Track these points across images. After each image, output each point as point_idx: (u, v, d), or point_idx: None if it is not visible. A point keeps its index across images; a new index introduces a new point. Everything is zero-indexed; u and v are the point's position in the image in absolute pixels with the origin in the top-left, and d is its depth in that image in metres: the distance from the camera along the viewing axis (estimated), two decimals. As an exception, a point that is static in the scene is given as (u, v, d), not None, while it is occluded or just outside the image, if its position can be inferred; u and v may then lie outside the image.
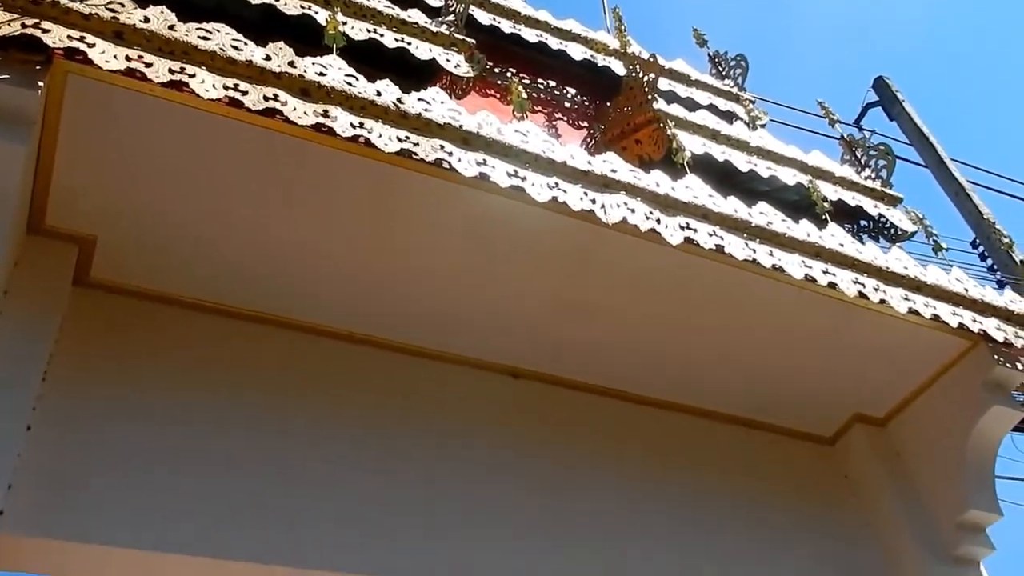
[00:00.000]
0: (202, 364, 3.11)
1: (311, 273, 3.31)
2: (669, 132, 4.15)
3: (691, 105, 4.92)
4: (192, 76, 2.64)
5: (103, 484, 2.67)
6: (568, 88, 5.15)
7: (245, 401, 3.08)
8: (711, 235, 3.31)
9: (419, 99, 3.04)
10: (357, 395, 3.31)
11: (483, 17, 4.62)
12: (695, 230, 3.29)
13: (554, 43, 4.87)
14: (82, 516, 2.59)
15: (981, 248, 7.37)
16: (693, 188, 3.46)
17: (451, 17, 4.33)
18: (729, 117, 5.08)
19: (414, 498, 3.14)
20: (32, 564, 2.63)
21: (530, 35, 4.79)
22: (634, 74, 4.70)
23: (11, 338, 2.71)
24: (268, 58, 2.84)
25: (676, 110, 4.44)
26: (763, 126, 5.15)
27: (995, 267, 7.08)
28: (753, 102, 5.47)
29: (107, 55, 2.56)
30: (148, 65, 2.61)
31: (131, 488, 2.70)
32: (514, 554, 3.18)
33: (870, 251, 3.71)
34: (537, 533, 3.28)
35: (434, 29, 4.12)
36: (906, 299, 3.59)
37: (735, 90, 5.52)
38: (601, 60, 5.00)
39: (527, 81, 4.97)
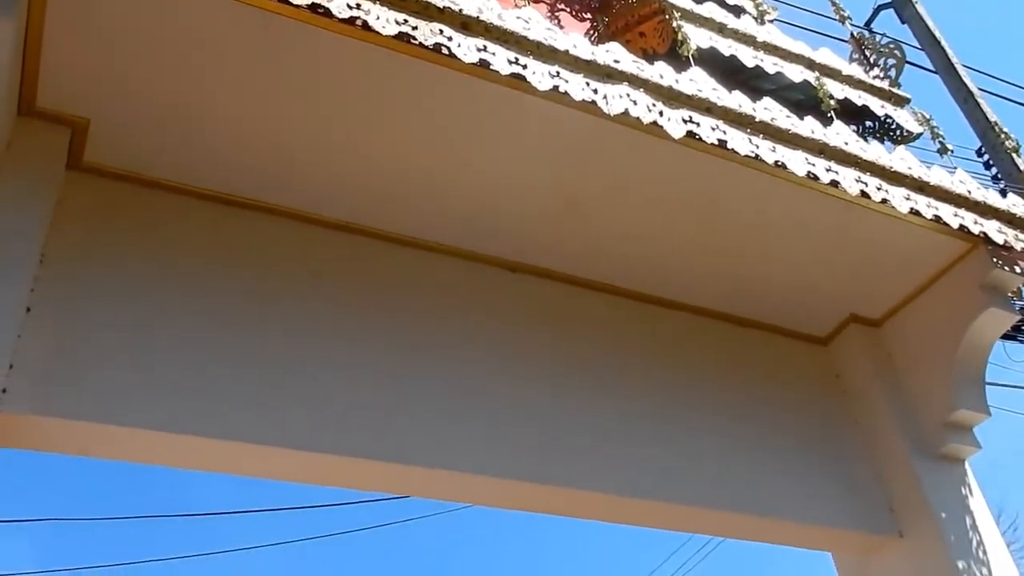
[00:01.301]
0: (198, 249, 3.11)
1: (306, 161, 3.27)
2: (674, 24, 4.04)
3: (697, -3, 4.78)
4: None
5: (103, 364, 2.70)
6: (571, -22, 5.00)
7: (242, 286, 3.09)
8: (714, 129, 3.26)
9: (417, -20, 2.94)
10: (352, 284, 3.32)
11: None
12: (697, 124, 3.23)
13: (557, -68, 4.69)
14: (83, 395, 2.62)
15: (986, 157, 7.32)
16: (697, 81, 3.39)
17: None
18: (737, 11, 4.93)
19: (406, 387, 3.17)
20: (34, 442, 2.69)
21: (533, -78, 4.61)
22: (639, -36, 4.55)
23: (6, 220, 2.71)
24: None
25: (682, 2, 4.32)
26: (771, 21, 5.01)
27: (999, 176, 7.04)
28: (762, -4, 5.31)
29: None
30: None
31: (130, 368, 2.73)
32: (504, 447, 3.23)
33: (874, 150, 3.66)
34: (529, 427, 3.32)
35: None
36: (908, 199, 3.56)
37: (743, -18, 5.35)
38: (606, -50, 4.83)
39: (529, -29, 4.81)
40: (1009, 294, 3.89)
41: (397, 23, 2.78)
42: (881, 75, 4.81)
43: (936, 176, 3.74)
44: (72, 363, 2.66)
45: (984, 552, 3.58)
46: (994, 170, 7.14)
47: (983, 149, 7.32)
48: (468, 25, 2.92)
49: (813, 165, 3.42)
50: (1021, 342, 7.39)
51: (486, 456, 3.16)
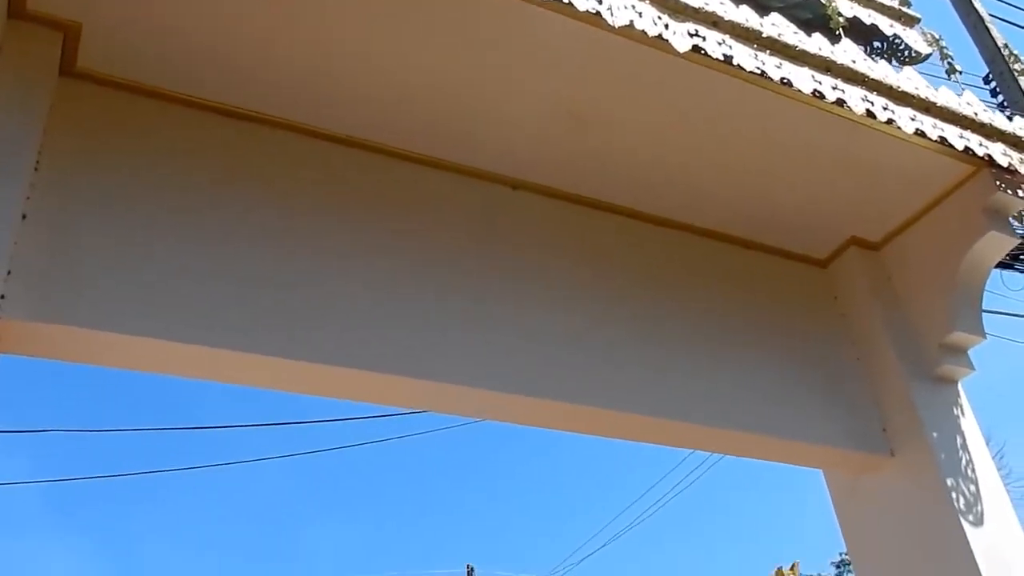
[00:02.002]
0: (196, 159, 3.07)
1: (307, 73, 3.21)
2: (681, -64, 3.93)
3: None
4: None
5: (101, 271, 2.69)
6: None
7: (242, 197, 3.07)
8: (720, 44, 3.19)
9: None
10: (353, 198, 3.30)
11: None
12: (703, 38, 3.17)
13: None
14: (81, 302, 2.62)
15: (993, 84, 7.24)
16: (704, -7, 3.31)
17: None
18: (745, -75, 4.81)
19: (405, 300, 3.18)
20: (33, 348, 2.69)
21: None
22: None
23: (0, 126, 2.66)
24: None
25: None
26: (780, -64, 4.88)
27: (1005, 104, 6.96)
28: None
29: None
30: None
31: (129, 276, 2.72)
32: (504, 363, 3.24)
33: (881, 69, 3.60)
34: (529, 343, 3.34)
35: None
36: (913, 120, 3.52)
37: None
38: None
39: None
40: (1010, 218, 3.88)
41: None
42: (891, -7, 4.70)
43: (943, 97, 3.69)
44: (69, 270, 2.66)
45: (973, 471, 3.64)
46: (1000, 97, 7.07)
47: (990, 76, 7.24)
48: (470, -70, 2.84)
49: (819, 83, 3.36)
50: (1018, 271, 7.44)
51: (486, 370, 3.18)
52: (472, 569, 19.88)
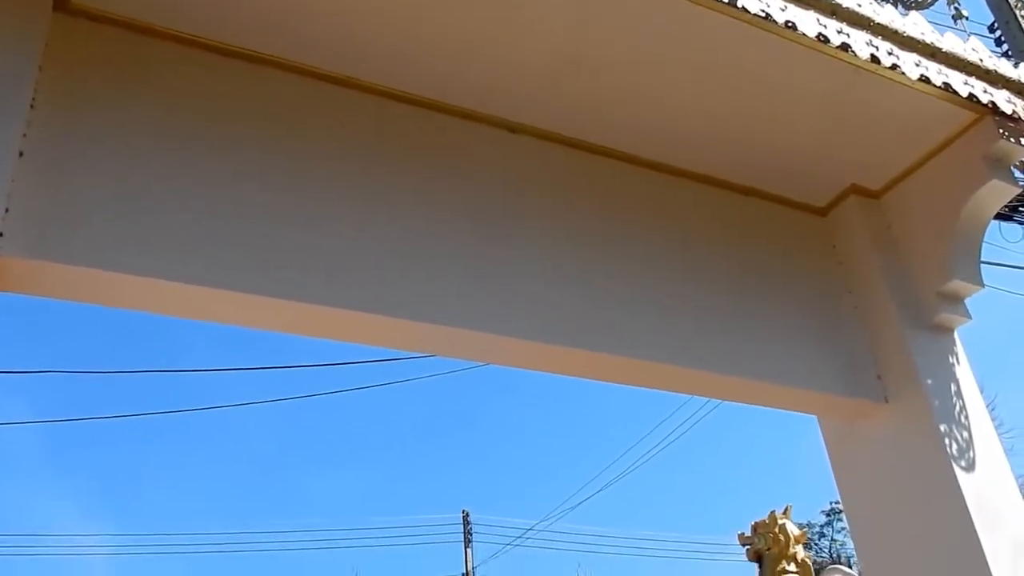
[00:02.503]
0: (194, 98, 3.03)
1: (302, 12, 3.16)
2: None
3: None
4: None
5: (99, 210, 2.68)
6: None
7: (241, 137, 3.04)
8: (724, -15, 3.15)
9: None
10: (349, 139, 3.27)
11: None
12: (707, -21, 3.12)
13: None
14: (79, 240, 2.61)
15: (998, 32, 7.18)
16: (709, -67, 3.25)
17: None
18: None
19: (404, 244, 3.17)
20: (32, 286, 2.69)
21: None
22: None
23: (-6, 63, 2.63)
24: None
25: None
26: None
27: (1010, 53, 6.90)
28: None
29: None
30: None
31: (127, 214, 2.71)
32: (501, 308, 3.25)
33: (887, 13, 3.55)
34: (528, 288, 3.34)
35: None
36: (918, 65, 3.49)
37: None
38: None
39: None
40: (1012, 167, 3.86)
41: None
42: (898, -63, 4.62)
43: (948, 43, 3.65)
44: (67, 208, 2.64)
45: (966, 418, 3.68)
46: (1005, 47, 7.01)
47: (995, 24, 7.17)
48: None
49: (824, 27, 3.32)
50: (1017, 222, 7.43)
51: (483, 314, 3.19)
52: (467, 514, 20.16)
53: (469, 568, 19.34)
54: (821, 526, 36.35)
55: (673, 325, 3.58)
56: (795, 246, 4.18)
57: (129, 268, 2.65)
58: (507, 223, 3.46)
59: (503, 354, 3.42)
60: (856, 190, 4.21)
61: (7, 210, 2.52)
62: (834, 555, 31.14)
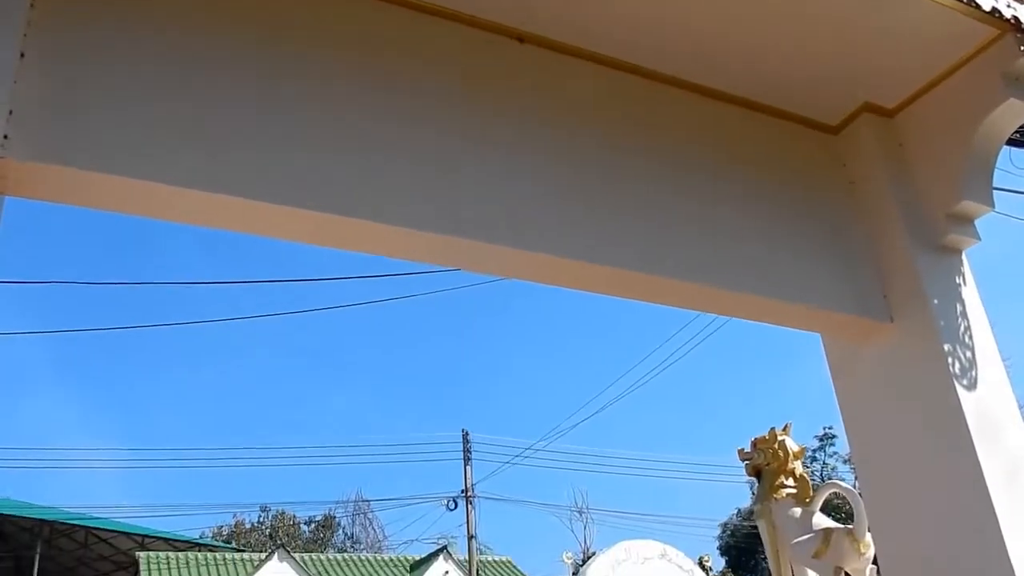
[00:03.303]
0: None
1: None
2: None
3: None
4: None
5: (102, 113, 2.64)
6: None
7: (246, 43, 2.98)
8: None
9: None
10: (348, 44, 3.20)
11: None
12: None
13: None
14: (83, 144, 2.58)
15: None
16: None
17: None
18: None
19: (409, 150, 3.13)
20: (36, 190, 2.66)
21: None
22: None
23: (-7, -40, 2.55)
24: None
25: None
26: None
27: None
28: None
29: None
30: None
31: (131, 118, 2.67)
32: (504, 219, 3.22)
33: (911, -78, 3.44)
34: (538, 200, 3.31)
35: None
36: (941, -23, 3.40)
37: None
38: None
39: None
40: (1031, 85, 3.79)
41: None
42: None
43: (973, -46, 3.54)
44: (70, 111, 2.60)
45: (970, 338, 3.69)
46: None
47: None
48: None
49: (846, -65, 3.22)
50: (1029, 147, 7.34)
51: (491, 224, 3.17)
52: (467, 433, 20.48)
53: (468, 485, 19.73)
54: (814, 451, 37.03)
55: (679, 240, 3.56)
56: (805, 164, 4.13)
57: (133, 172, 2.62)
58: (515, 132, 3.41)
59: (508, 266, 3.41)
60: (869, 108, 4.14)
61: (11, 112, 2.48)
62: (826, 478, 31.73)
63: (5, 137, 2.45)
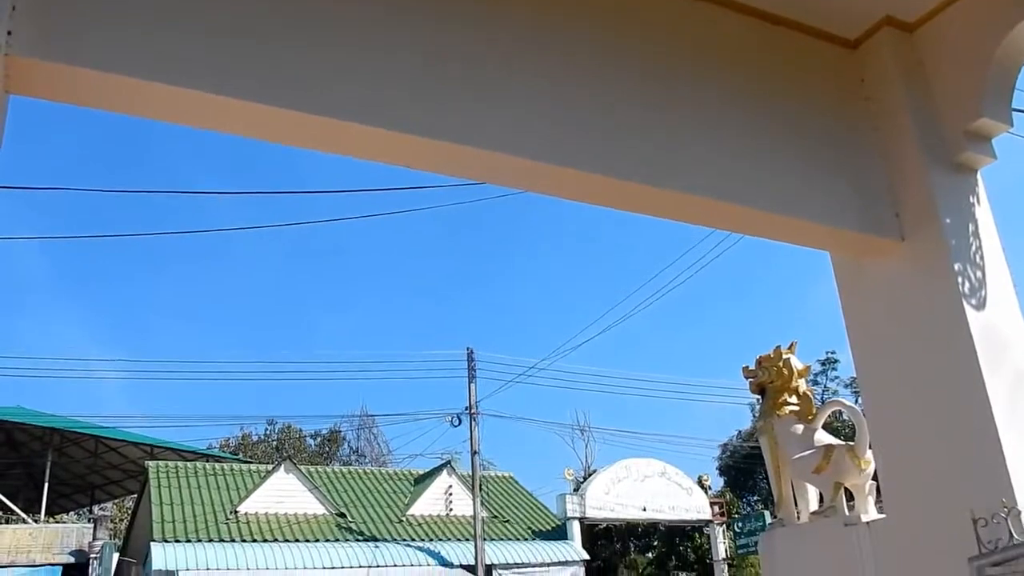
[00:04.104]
0: None
1: None
2: None
3: None
4: None
5: (106, 10, 2.57)
6: None
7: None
8: None
9: None
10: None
11: None
12: None
13: None
14: (88, 42, 2.53)
15: None
16: None
17: None
18: None
19: (433, 60, 3.08)
20: (41, 88, 2.61)
21: None
22: None
23: None
24: None
25: None
26: None
27: None
28: None
29: None
30: None
31: (133, 16, 2.61)
32: (512, 128, 3.17)
33: None
34: (534, 111, 3.24)
35: None
36: None
37: None
38: None
39: None
40: (1058, 1, 3.68)
41: None
42: None
43: None
44: (75, 8, 2.54)
45: (981, 258, 3.66)
46: None
47: None
48: None
49: None
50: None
51: (501, 134, 3.12)
52: (472, 351, 20.65)
53: (472, 402, 19.99)
54: (816, 374, 37.35)
55: (689, 153, 3.51)
56: (822, 79, 4.05)
57: (139, 72, 2.57)
58: (532, 47, 3.33)
59: (513, 175, 3.37)
60: (890, 22, 4.03)
61: (14, 8, 2.42)
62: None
63: (9, 33, 2.40)
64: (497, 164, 3.21)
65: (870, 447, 4.19)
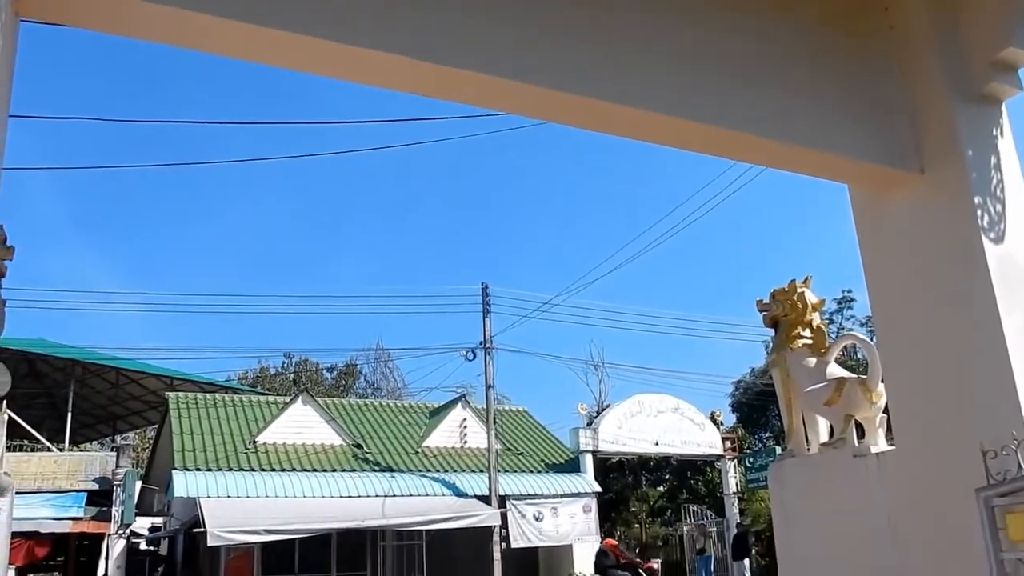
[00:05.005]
0: None
1: None
2: None
3: None
4: None
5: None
6: None
7: None
8: None
9: None
10: None
11: None
12: None
13: None
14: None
15: None
16: None
17: None
18: None
19: None
20: (53, 12, 2.60)
21: None
22: None
23: None
24: None
25: None
26: None
27: None
28: None
29: None
30: None
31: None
32: (523, 57, 3.12)
33: None
34: (549, 40, 3.19)
35: None
36: None
37: None
38: None
39: None
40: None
41: None
42: None
43: None
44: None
45: (1002, 191, 3.62)
46: None
47: None
48: None
49: None
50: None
51: (525, 64, 3.08)
52: (486, 286, 20.68)
53: (487, 336, 20.08)
54: (831, 313, 37.24)
55: (708, 83, 3.45)
56: (845, 8, 3.95)
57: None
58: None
59: (525, 104, 3.34)
60: (917, -53, 3.92)
61: (22, -74, 2.39)
62: (840, 340, 31.96)
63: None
64: (525, 96, 3.17)
65: (882, 380, 4.20)
